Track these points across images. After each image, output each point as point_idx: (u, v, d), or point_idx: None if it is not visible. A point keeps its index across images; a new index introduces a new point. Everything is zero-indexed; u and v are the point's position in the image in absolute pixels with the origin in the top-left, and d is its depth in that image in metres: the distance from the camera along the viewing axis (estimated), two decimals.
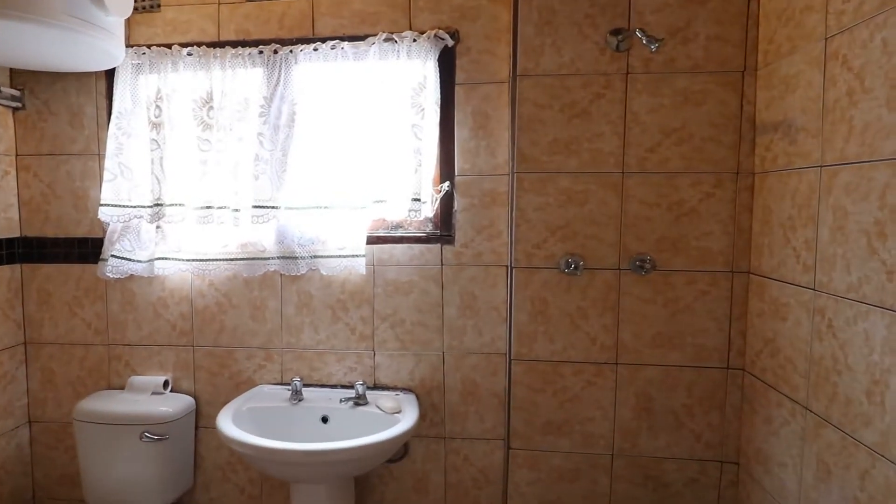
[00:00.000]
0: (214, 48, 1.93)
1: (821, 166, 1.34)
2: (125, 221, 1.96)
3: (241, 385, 2.06)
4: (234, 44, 1.95)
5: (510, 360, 1.81)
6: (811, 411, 1.36)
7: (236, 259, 1.97)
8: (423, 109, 1.84)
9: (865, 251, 1.17)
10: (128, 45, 1.96)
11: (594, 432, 1.79)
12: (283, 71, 1.89)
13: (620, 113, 1.71)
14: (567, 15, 1.70)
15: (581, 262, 1.73)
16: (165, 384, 2.07)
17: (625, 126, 1.71)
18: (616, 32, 1.68)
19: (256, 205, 1.90)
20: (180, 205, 1.95)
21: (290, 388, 1.95)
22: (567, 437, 1.80)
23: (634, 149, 1.71)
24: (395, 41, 1.86)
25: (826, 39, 1.32)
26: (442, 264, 1.96)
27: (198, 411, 2.09)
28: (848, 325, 1.23)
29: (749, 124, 1.67)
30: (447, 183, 1.92)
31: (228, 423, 1.69)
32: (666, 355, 1.74)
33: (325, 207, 1.90)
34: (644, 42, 1.59)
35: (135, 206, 1.96)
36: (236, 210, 1.91)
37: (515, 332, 1.79)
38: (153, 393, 2.03)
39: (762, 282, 1.61)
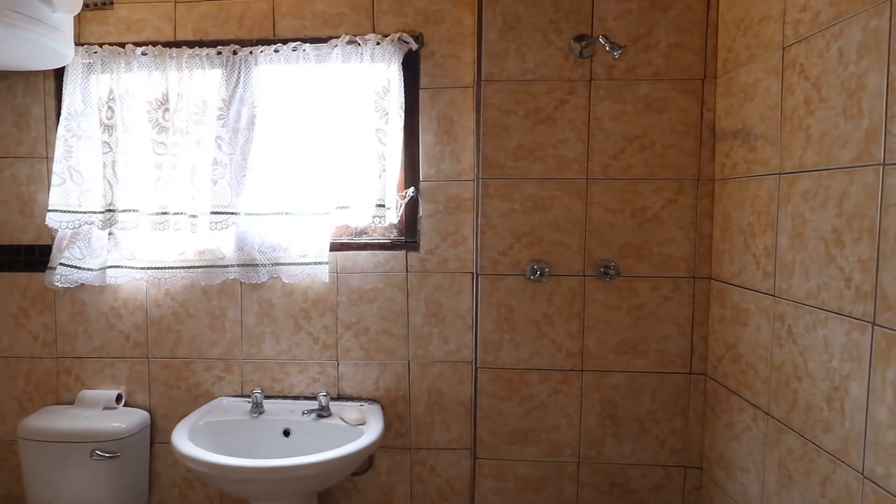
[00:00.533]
0: (170, 48, 1.87)
1: (779, 174, 1.35)
2: (75, 228, 1.88)
3: (198, 398, 1.99)
4: (192, 44, 1.89)
5: (476, 368, 1.79)
6: (772, 417, 1.38)
7: (194, 267, 1.91)
8: (387, 114, 1.81)
9: (824, 258, 1.19)
10: (78, 44, 1.87)
11: (560, 440, 1.78)
12: (242, 73, 1.84)
13: (584, 119, 1.71)
14: (531, 21, 1.70)
15: (546, 269, 1.73)
16: (118, 398, 1.98)
17: (588, 132, 1.71)
18: (579, 39, 1.68)
19: (215, 210, 1.84)
20: (134, 210, 1.88)
21: (250, 400, 1.89)
22: (533, 445, 1.78)
23: (598, 155, 1.71)
24: (359, 44, 1.83)
25: (784, 49, 1.34)
26: (407, 271, 1.92)
27: (153, 426, 2.01)
28: (807, 331, 1.24)
29: (709, 131, 1.69)
30: (412, 188, 1.90)
31: (184, 439, 1.62)
32: (630, 361, 1.75)
33: (287, 213, 1.85)
34: (607, 49, 1.60)
35: (85, 212, 1.88)
36: (193, 216, 1.85)
37: (481, 340, 1.77)
38: (105, 408, 1.94)
39: (723, 287, 1.63)
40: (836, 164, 1.16)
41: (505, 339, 1.77)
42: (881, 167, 1.03)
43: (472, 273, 1.89)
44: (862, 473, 1.07)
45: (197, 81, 1.86)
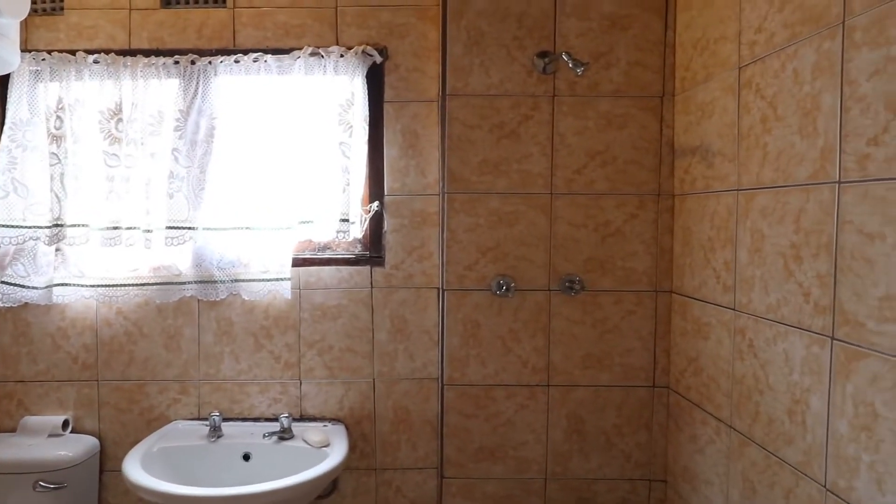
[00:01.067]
0: (125, 56, 1.80)
1: (738, 190, 1.39)
2: (19, 244, 1.78)
3: (152, 422, 1.90)
4: (147, 52, 1.83)
5: (442, 385, 1.77)
6: (735, 430, 1.40)
7: (148, 284, 1.84)
8: (351, 127, 1.79)
9: (782, 273, 1.22)
10: (25, 50, 1.80)
11: (527, 457, 1.77)
12: (201, 83, 1.79)
13: (548, 134, 1.72)
14: (495, 36, 1.71)
15: (512, 284, 1.72)
16: (65, 424, 1.88)
17: (552, 148, 1.72)
18: (543, 55, 1.70)
19: (171, 225, 1.78)
20: (83, 225, 1.80)
21: (207, 423, 1.82)
22: (501, 462, 1.77)
23: (562, 170, 1.73)
24: (322, 56, 1.80)
25: (740, 68, 1.38)
26: (372, 287, 1.89)
27: (103, 453, 1.90)
28: (768, 345, 1.27)
29: (668, 148, 1.72)
30: (376, 203, 1.87)
31: (136, 467, 1.54)
32: (595, 376, 1.75)
33: (248, 228, 1.81)
34: (570, 66, 1.61)
35: (30, 227, 1.79)
36: (148, 231, 1.79)
37: (447, 356, 1.75)
38: (50, 435, 1.84)
39: (684, 301, 1.65)
40: (792, 181, 1.19)
41: (471, 354, 1.75)
42: (837, 185, 1.06)
43: (438, 288, 1.87)
44: (825, 486, 1.09)
45: (153, 91, 1.80)
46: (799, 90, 1.17)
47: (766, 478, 1.27)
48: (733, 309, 1.40)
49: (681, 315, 1.68)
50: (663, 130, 1.72)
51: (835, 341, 1.06)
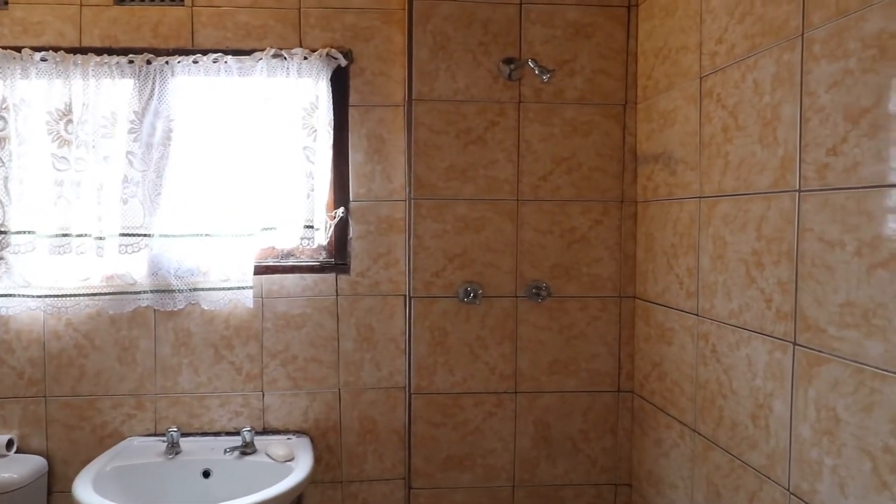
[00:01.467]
0: (75, 54, 1.72)
1: (700, 197, 1.41)
2: None
3: (105, 439, 1.81)
4: (99, 51, 1.76)
5: (410, 394, 1.74)
6: (699, 434, 1.42)
7: (100, 294, 1.76)
8: (315, 131, 1.75)
9: (744, 279, 1.24)
10: None
11: (495, 464, 1.76)
12: (157, 84, 1.73)
13: (514, 141, 1.72)
14: (461, 41, 1.70)
15: (479, 291, 1.71)
16: (9, 444, 1.77)
17: (518, 154, 1.73)
18: (508, 61, 1.70)
19: (125, 232, 1.72)
20: (30, 232, 1.71)
21: (165, 439, 1.74)
22: (469, 471, 1.75)
23: (528, 176, 1.73)
24: (285, 58, 1.76)
25: (701, 78, 1.41)
26: (337, 295, 1.85)
27: (51, 474, 1.80)
28: (731, 350, 1.29)
29: (631, 155, 1.75)
30: (342, 209, 1.84)
31: (87, 489, 1.46)
32: (562, 382, 1.76)
33: (207, 235, 1.75)
34: (536, 72, 1.61)
35: None
36: (100, 238, 1.71)
37: (415, 365, 1.73)
38: None
39: (648, 307, 1.67)
40: (754, 189, 1.21)
41: (439, 362, 1.73)
42: (797, 193, 1.09)
43: (405, 296, 1.84)
44: (788, 489, 1.12)
45: (105, 92, 1.73)
46: (759, 100, 1.20)
47: (731, 481, 1.29)
48: (696, 314, 1.43)
49: (644, 320, 1.70)
50: (626, 138, 1.75)
51: (797, 347, 1.09)
